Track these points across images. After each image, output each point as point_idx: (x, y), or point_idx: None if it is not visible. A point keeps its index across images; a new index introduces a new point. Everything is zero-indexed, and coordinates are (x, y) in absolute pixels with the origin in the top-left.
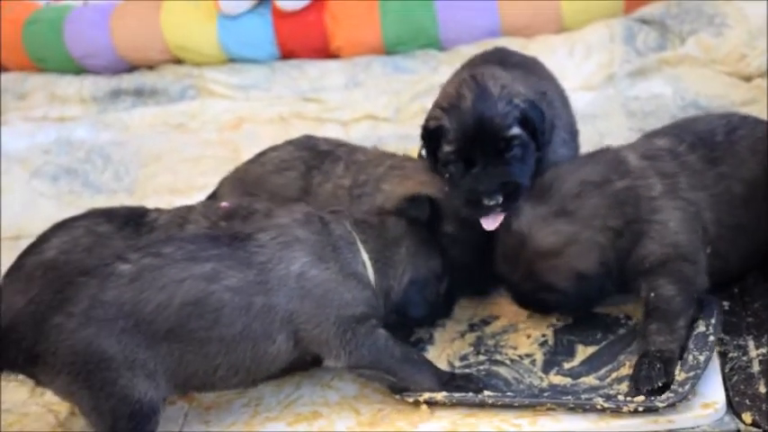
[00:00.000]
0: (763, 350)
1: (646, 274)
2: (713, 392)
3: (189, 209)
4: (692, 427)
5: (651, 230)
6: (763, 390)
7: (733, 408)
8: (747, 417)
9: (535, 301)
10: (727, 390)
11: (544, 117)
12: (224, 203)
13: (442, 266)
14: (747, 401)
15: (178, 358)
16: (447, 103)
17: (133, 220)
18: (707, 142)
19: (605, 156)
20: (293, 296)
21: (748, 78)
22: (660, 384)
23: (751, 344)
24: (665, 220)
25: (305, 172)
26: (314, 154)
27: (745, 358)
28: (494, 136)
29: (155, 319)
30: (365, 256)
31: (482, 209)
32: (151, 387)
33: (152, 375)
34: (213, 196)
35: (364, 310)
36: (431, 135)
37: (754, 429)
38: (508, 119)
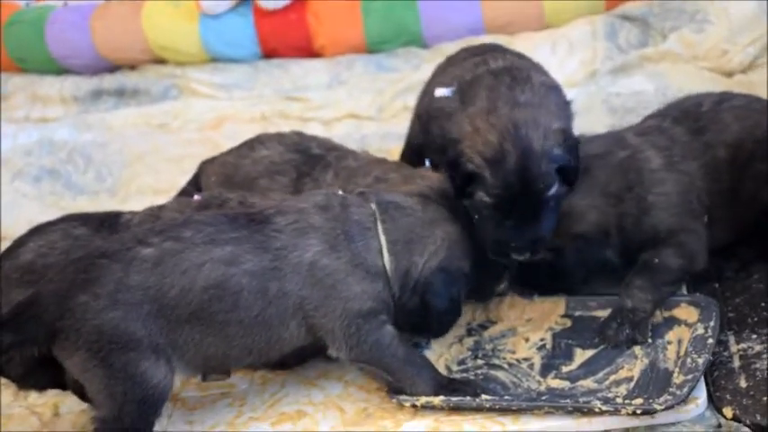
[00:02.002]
0: (743, 345)
1: (653, 243)
2: (695, 388)
3: (161, 207)
4: (674, 423)
5: (658, 201)
6: (743, 384)
7: (714, 403)
8: (728, 411)
9: (536, 264)
10: (708, 385)
11: (578, 155)
12: (196, 197)
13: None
14: (728, 396)
15: (199, 341)
16: (489, 155)
17: (108, 222)
18: (691, 114)
19: (607, 135)
20: (305, 284)
21: (730, 74)
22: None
23: (732, 339)
24: (667, 192)
25: (296, 179)
26: (305, 158)
27: (726, 353)
28: (534, 198)
29: (178, 303)
30: (382, 239)
31: (508, 258)
32: (168, 373)
33: (169, 361)
34: (194, 181)
35: (372, 305)
36: (463, 174)
37: (735, 424)
38: (548, 179)
